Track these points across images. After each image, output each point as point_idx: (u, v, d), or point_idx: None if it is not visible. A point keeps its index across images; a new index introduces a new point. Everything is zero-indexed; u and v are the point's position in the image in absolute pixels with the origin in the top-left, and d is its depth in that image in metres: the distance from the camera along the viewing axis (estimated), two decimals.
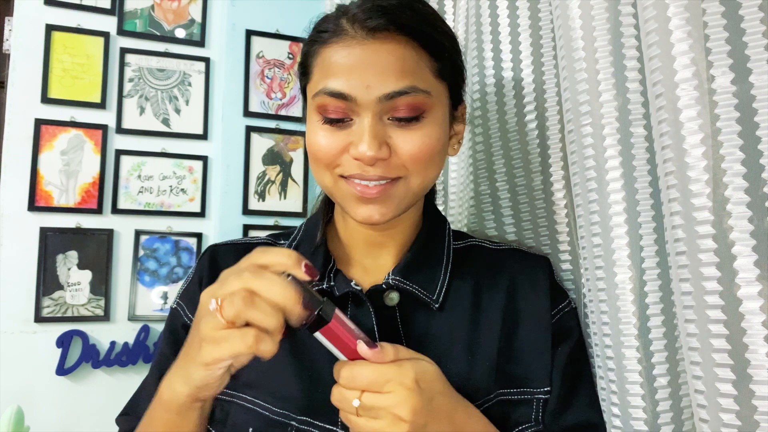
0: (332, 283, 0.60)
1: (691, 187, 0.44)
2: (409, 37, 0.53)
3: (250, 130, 1.62)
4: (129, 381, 1.49)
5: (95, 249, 1.49)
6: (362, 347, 0.49)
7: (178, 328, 0.65)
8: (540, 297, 0.63)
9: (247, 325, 0.45)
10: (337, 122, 0.54)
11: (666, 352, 0.53)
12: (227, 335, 0.45)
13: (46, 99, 1.47)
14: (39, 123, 1.46)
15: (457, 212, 0.86)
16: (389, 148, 0.54)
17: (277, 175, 1.64)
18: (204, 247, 1.58)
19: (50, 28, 1.48)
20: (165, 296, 1.55)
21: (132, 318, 1.51)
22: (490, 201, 0.77)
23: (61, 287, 1.45)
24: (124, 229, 1.52)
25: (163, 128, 1.58)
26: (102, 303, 1.48)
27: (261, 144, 1.63)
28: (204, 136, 1.61)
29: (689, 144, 0.44)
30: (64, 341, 1.42)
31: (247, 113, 1.62)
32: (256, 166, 1.62)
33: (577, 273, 0.68)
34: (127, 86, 1.55)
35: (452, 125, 0.61)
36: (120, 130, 1.53)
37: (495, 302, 0.62)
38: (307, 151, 0.58)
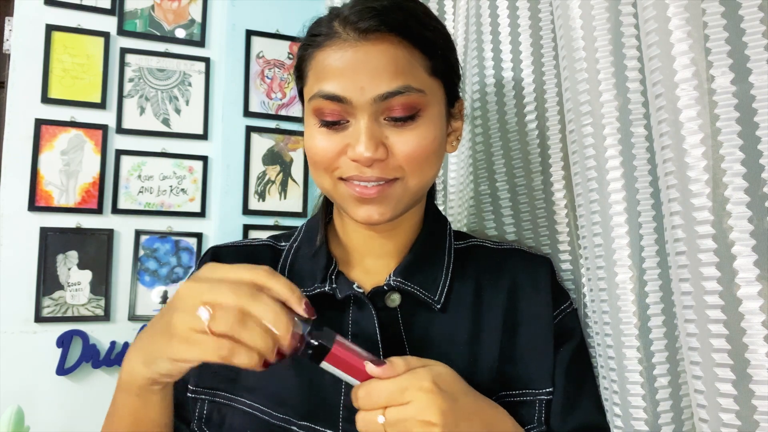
0: (334, 285, 0.60)
1: (691, 187, 0.44)
2: (400, 36, 0.53)
3: (250, 130, 1.62)
4: None
5: (95, 249, 1.49)
6: (370, 367, 0.48)
7: None
8: (541, 297, 0.63)
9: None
10: (334, 125, 0.55)
11: (666, 351, 0.53)
12: (202, 340, 0.43)
13: (46, 99, 1.47)
14: (39, 123, 1.46)
15: (457, 212, 0.86)
16: (386, 149, 0.54)
17: (278, 175, 1.64)
18: (204, 247, 1.58)
19: (50, 28, 1.48)
20: (165, 296, 1.55)
21: (132, 318, 1.51)
22: (490, 201, 0.77)
23: (61, 287, 1.45)
24: (124, 229, 1.52)
25: (164, 128, 1.58)
26: (102, 303, 1.48)
27: (261, 144, 1.63)
28: (204, 136, 1.61)
29: (689, 144, 0.44)
30: (64, 341, 1.42)
31: (247, 113, 1.62)
32: (256, 166, 1.62)
33: (577, 273, 0.68)
34: (128, 86, 1.55)
35: (449, 122, 0.61)
36: (120, 130, 1.53)
37: (496, 303, 0.62)
38: (306, 155, 0.58)
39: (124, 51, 1.55)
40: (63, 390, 1.43)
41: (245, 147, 1.61)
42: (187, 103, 1.60)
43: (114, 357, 1.47)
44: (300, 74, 0.59)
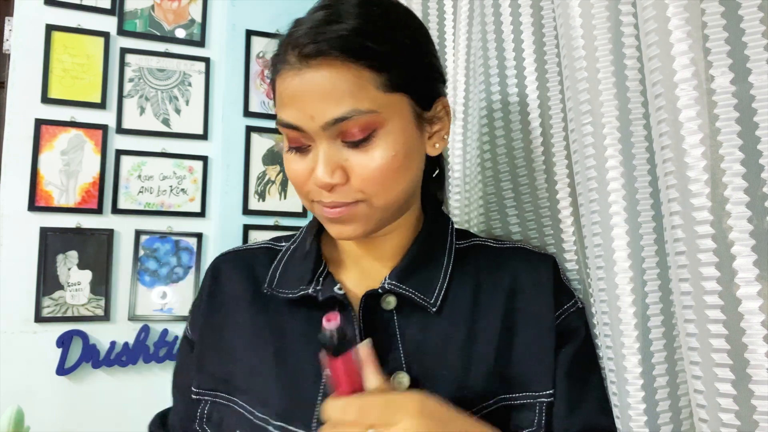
0: (318, 288, 0.59)
1: (691, 187, 0.44)
2: (344, 57, 0.51)
3: (250, 130, 1.62)
4: (129, 381, 1.49)
5: (95, 249, 1.49)
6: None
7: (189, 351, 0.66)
8: (542, 297, 0.61)
9: None
10: (300, 149, 0.56)
11: (665, 352, 0.53)
12: None
13: (46, 99, 1.47)
14: (39, 123, 1.46)
15: (463, 212, 0.86)
16: (345, 172, 0.54)
17: (278, 175, 1.64)
18: (204, 247, 1.58)
19: (50, 28, 1.49)
20: (165, 296, 1.55)
21: (132, 318, 1.51)
22: (495, 201, 0.77)
23: (61, 287, 1.45)
24: (124, 229, 1.53)
25: (163, 128, 1.58)
26: (102, 303, 1.48)
27: (261, 144, 1.63)
28: (204, 136, 1.61)
29: (688, 144, 0.44)
30: (64, 341, 1.42)
31: (247, 113, 1.62)
32: (256, 166, 1.62)
33: (583, 272, 0.68)
34: (127, 86, 1.55)
35: (426, 127, 0.59)
36: (120, 130, 1.54)
37: (494, 303, 0.61)
38: None
39: (124, 51, 1.55)
40: (63, 390, 1.43)
41: (245, 147, 1.61)
42: (187, 103, 1.60)
43: (114, 357, 1.47)
44: (273, 98, 0.60)
